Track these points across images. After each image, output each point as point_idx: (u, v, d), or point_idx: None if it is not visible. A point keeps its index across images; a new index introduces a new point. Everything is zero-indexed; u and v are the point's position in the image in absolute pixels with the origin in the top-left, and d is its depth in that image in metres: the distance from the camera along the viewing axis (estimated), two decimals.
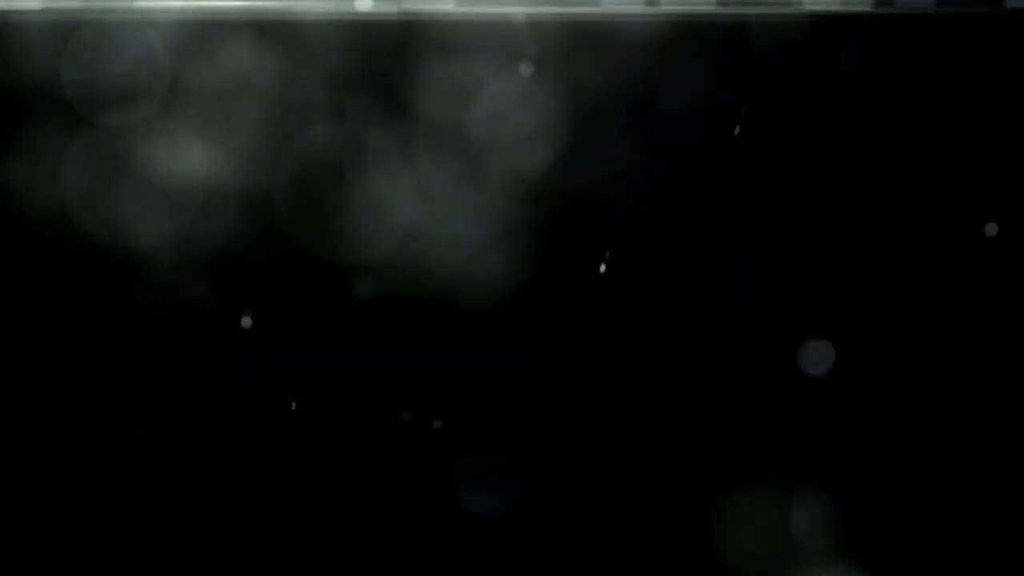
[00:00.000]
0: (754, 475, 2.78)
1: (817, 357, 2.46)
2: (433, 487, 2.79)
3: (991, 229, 2.41)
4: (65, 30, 2.61)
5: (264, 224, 2.66)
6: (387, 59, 2.57)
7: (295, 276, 2.74)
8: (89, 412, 2.77)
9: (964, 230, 2.70)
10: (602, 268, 2.24)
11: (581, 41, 2.62)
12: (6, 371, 2.79)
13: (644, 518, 2.71)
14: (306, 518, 2.66)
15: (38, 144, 2.69)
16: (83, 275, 2.75)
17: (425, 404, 2.72)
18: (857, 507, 2.79)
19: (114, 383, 2.82)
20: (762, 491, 2.78)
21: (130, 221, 2.69)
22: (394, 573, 2.67)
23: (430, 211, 2.67)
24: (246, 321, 2.29)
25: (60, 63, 2.63)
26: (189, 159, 2.65)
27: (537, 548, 2.62)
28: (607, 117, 2.64)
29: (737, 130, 2.21)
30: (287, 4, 2.60)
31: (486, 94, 2.59)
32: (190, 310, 2.77)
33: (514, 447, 2.73)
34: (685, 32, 2.61)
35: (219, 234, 2.70)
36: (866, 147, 2.69)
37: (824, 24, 2.64)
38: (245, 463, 2.72)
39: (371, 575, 2.68)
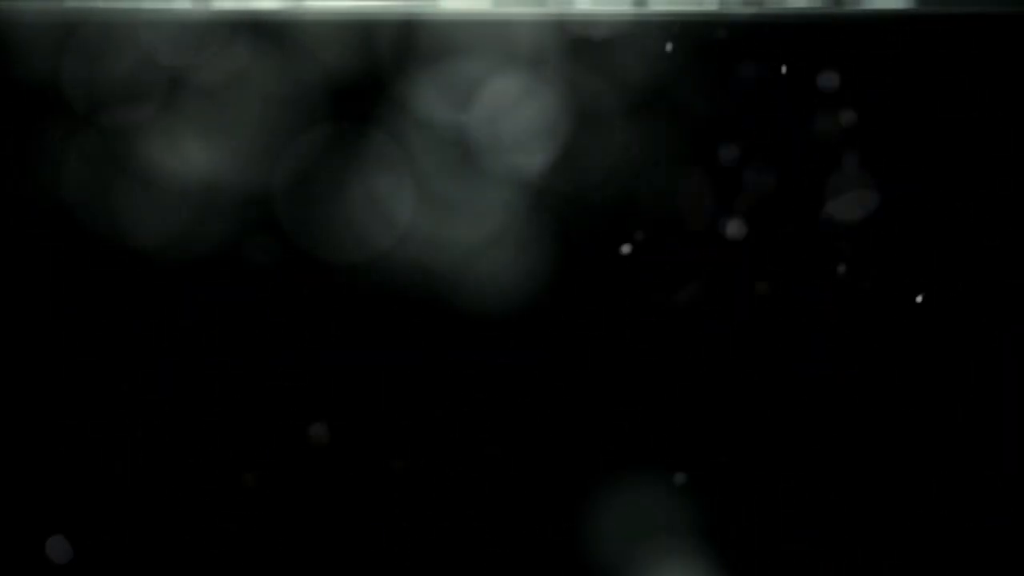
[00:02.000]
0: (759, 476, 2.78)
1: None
2: (434, 492, 2.79)
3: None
4: (69, 29, 2.61)
5: (267, 224, 2.67)
6: (387, 59, 2.57)
7: (297, 276, 2.74)
8: (96, 410, 2.77)
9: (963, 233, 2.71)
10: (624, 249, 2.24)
11: (581, 40, 2.62)
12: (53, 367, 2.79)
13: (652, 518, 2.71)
14: (307, 520, 2.66)
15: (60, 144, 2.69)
16: (84, 276, 2.75)
17: (428, 405, 2.72)
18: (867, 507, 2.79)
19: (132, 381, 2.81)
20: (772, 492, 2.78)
21: (138, 222, 2.70)
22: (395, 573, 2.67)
23: (431, 211, 2.67)
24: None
25: (70, 61, 2.63)
26: (190, 159, 2.65)
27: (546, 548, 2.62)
28: (608, 117, 2.64)
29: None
30: (287, 4, 2.60)
31: (487, 94, 2.59)
32: (192, 309, 2.78)
33: (520, 448, 2.73)
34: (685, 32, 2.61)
35: (221, 234, 2.70)
36: (862, 148, 2.69)
37: (824, 24, 2.65)
38: (247, 464, 2.72)
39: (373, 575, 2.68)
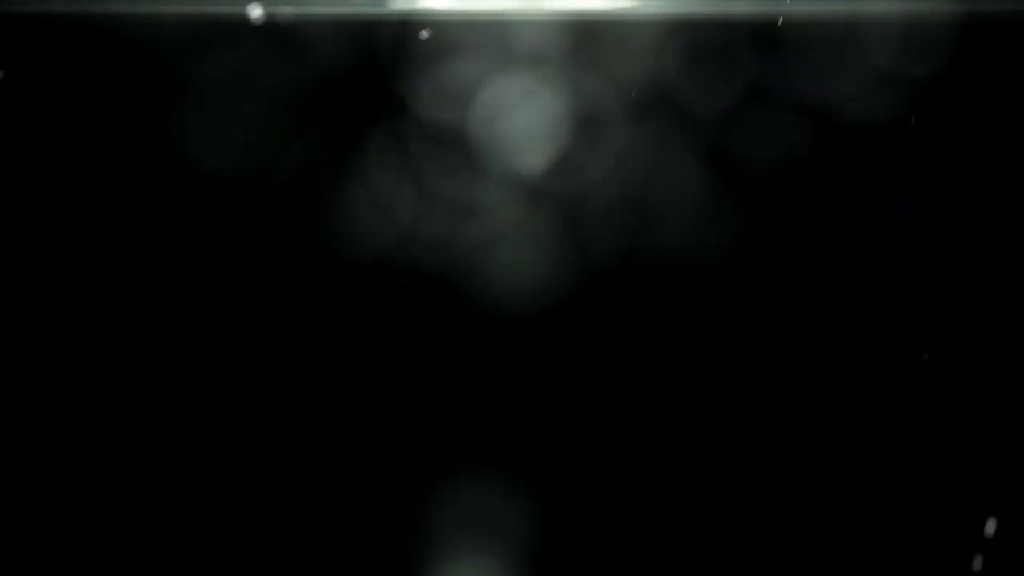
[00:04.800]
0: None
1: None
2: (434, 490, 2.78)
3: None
4: (68, 30, 2.61)
5: (267, 223, 2.67)
6: (387, 59, 2.57)
7: (298, 276, 2.74)
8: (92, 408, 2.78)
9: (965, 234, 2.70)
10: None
11: (583, 40, 2.62)
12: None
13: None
14: (310, 520, 2.66)
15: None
16: (84, 275, 2.76)
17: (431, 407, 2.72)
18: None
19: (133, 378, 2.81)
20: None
21: (138, 219, 2.70)
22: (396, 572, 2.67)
23: (433, 211, 2.67)
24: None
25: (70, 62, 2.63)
26: (190, 158, 2.65)
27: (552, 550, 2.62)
28: (610, 116, 2.64)
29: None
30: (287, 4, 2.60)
31: (487, 94, 2.59)
32: (199, 311, 2.78)
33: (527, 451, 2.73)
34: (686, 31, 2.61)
35: (221, 233, 2.71)
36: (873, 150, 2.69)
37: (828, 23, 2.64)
38: (246, 464, 2.72)
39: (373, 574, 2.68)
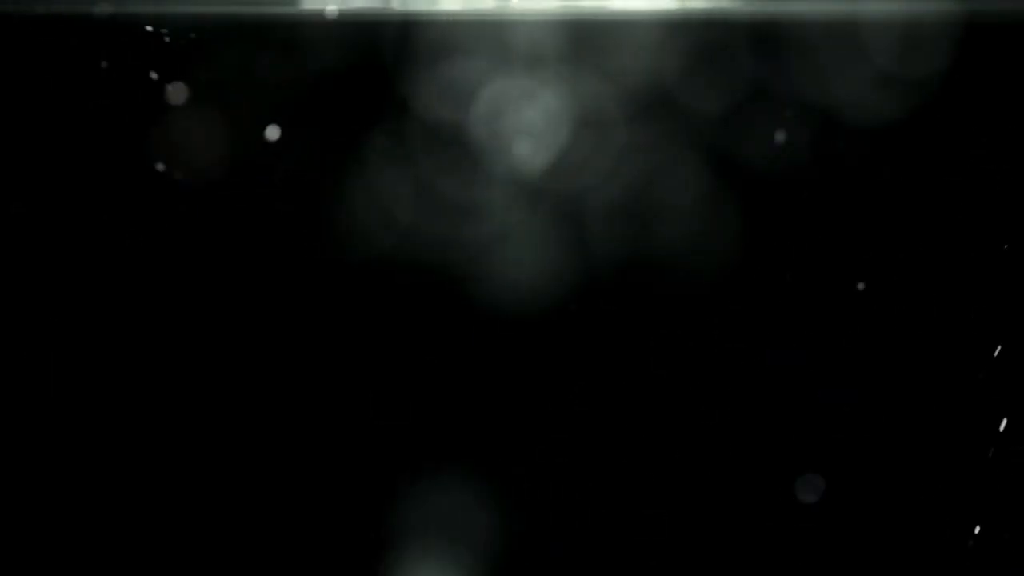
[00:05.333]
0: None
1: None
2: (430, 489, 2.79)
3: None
4: (70, 30, 2.61)
5: (268, 222, 2.66)
6: (388, 59, 2.57)
7: (298, 276, 2.74)
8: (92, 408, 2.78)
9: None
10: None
11: (583, 39, 2.62)
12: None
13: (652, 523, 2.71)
14: (311, 521, 2.66)
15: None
16: (82, 275, 2.75)
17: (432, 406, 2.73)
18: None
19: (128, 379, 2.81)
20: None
21: (139, 220, 2.70)
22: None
23: (433, 211, 2.67)
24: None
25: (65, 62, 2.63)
26: (192, 159, 2.65)
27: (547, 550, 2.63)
28: (611, 115, 2.64)
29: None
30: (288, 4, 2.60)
31: (488, 93, 2.59)
32: (199, 310, 2.78)
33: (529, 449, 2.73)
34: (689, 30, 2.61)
35: (223, 233, 2.71)
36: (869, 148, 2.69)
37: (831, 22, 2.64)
38: (246, 463, 2.72)
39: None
